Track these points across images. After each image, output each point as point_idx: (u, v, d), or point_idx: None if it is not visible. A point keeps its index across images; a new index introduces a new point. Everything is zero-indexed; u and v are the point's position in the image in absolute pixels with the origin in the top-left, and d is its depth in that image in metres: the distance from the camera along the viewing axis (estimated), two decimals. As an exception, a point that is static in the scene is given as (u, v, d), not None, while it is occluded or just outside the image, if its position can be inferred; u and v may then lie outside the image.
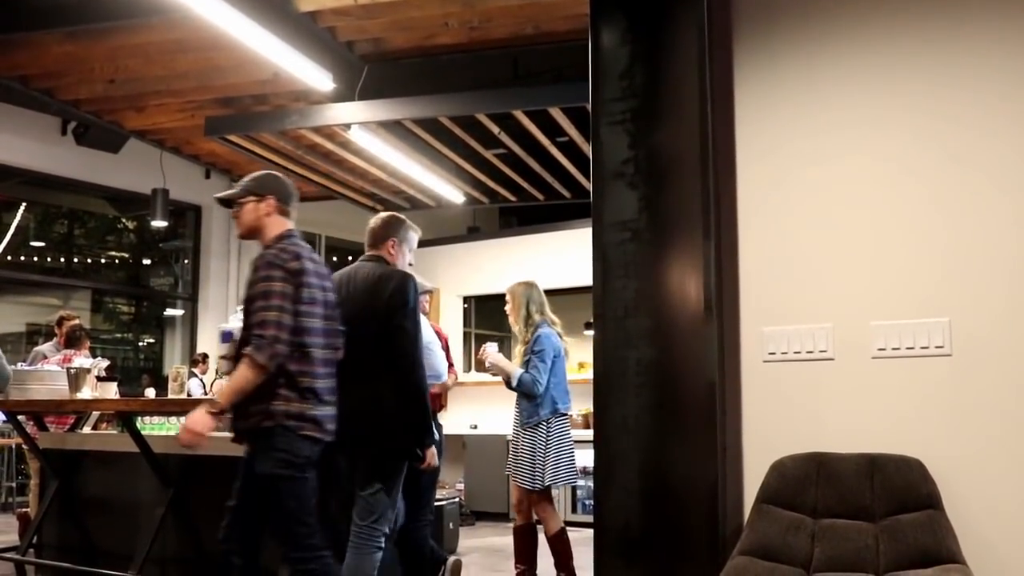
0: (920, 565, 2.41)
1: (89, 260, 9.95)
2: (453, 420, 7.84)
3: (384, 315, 3.32)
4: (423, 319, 3.82)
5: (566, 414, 4.64)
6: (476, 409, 8.10)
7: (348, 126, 6.25)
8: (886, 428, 2.68)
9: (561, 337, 4.68)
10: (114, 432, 5.36)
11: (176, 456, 4.14)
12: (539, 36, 5.53)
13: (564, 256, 7.75)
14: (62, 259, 9.65)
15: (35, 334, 9.02)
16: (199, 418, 2.91)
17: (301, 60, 5.37)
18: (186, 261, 9.76)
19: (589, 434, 3.53)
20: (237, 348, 3.03)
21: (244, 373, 2.87)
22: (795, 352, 2.84)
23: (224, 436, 3.36)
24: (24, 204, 8.71)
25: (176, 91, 6.67)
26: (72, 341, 5.90)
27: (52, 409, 4.88)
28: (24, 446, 5.46)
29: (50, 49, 5.94)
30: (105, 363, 5.33)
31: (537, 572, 4.61)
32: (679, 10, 3.01)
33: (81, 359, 5.48)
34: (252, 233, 3.18)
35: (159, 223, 8.55)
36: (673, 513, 2.84)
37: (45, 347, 6.25)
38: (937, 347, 2.65)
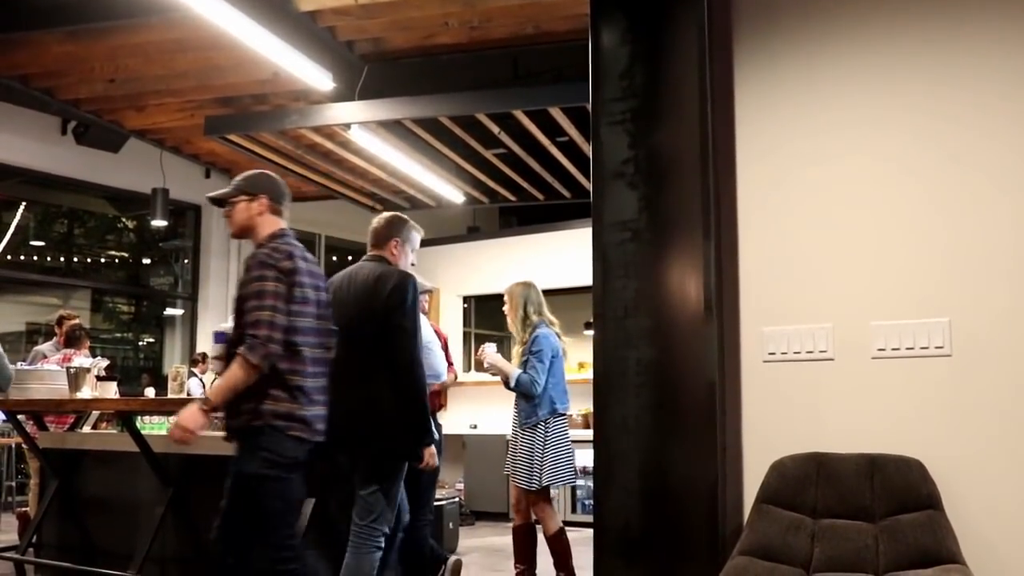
0: (920, 565, 2.41)
1: (89, 259, 9.95)
2: (453, 420, 7.84)
3: (382, 315, 3.32)
4: (423, 319, 3.82)
5: (564, 414, 4.64)
6: (476, 409, 8.10)
7: (348, 126, 6.25)
8: (886, 428, 2.68)
9: (559, 337, 4.68)
10: (114, 431, 5.36)
11: (176, 456, 4.14)
12: (539, 36, 5.53)
13: (564, 256, 7.75)
14: (62, 258, 9.65)
15: (35, 333, 9.02)
16: (191, 415, 2.91)
17: (301, 60, 5.37)
18: (186, 261, 9.76)
19: (589, 434, 3.53)
20: (227, 348, 3.04)
21: (236, 372, 2.88)
22: (795, 352, 2.84)
23: (221, 436, 3.36)
24: (24, 203, 8.70)
25: (176, 90, 6.67)
26: (72, 340, 5.90)
27: (52, 408, 4.87)
28: (24, 445, 5.45)
29: (50, 48, 5.94)
30: (105, 362, 5.33)
31: (537, 572, 4.61)
32: (679, 10, 3.01)
33: (81, 358, 5.48)
34: (244, 232, 3.19)
35: (159, 222, 8.55)
36: (673, 513, 2.84)
37: (45, 346, 6.25)
38: (937, 347, 2.65)
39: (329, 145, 6.98)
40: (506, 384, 4.60)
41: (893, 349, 2.71)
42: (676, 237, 2.94)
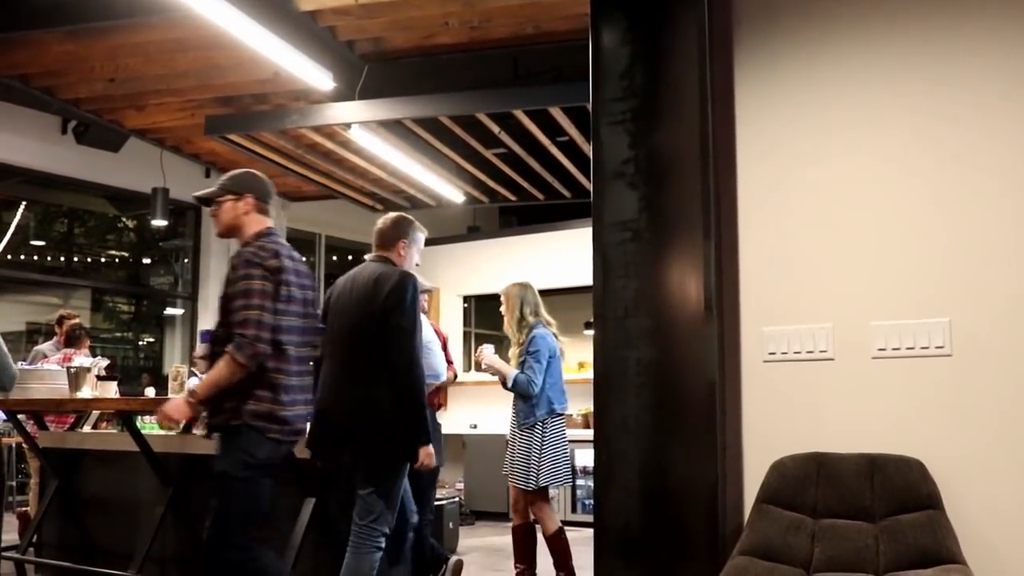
0: (920, 565, 2.41)
1: (89, 259, 9.95)
2: (453, 420, 7.85)
3: (381, 314, 3.32)
4: (423, 318, 3.82)
5: (562, 414, 4.65)
6: (476, 409, 8.11)
7: (348, 125, 6.25)
8: (886, 428, 2.68)
9: (557, 337, 4.69)
10: (114, 431, 5.36)
11: (176, 455, 4.15)
12: (539, 36, 5.52)
13: (564, 256, 7.75)
14: (62, 258, 9.64)
15: (35, 333, 9.02)
16: (176, 406, 3.03)
17: (301, 59, 5.37)
18: (186, 260, 9.75)
19: (589, 434, 3.53)
20: (212, 346, 3.07)
21: (223, 369, 2.92)
22: (795, 352, 2.84)
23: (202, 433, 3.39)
24: (24, 203, 8.70)
25: (176, 90, 6.66)
26: (72, 340, 5.90)
27: (52, 408, 4.88)
28: (24, 445, 5.45)
29: (50, 48, 5.93)
30: (105, 362, 5.32)
31: (537, 572, 4.61)
32: (679, 10, 3.00)
33: (81, 358, 5.48)
34: (230, 231, 3.20)
35: (159, 222, 8.54)
36: (673, 513, 2.84)
37: (45, 346, 6.26)
38: (937, 347, 2.65)
39: (329, 145, 6.98)
40: (504, 385, 4.60)
41: (893, 349, 2.71)
42: (676, 237, 2.94)
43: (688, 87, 2.95)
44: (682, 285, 2.89)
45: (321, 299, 3.53)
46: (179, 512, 4.12)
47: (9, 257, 8.46)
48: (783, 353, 2.86)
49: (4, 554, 4.74)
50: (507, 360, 4.70)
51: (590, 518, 3.39)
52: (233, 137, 6.74)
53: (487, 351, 4.67)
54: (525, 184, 7.87)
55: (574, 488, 7.38)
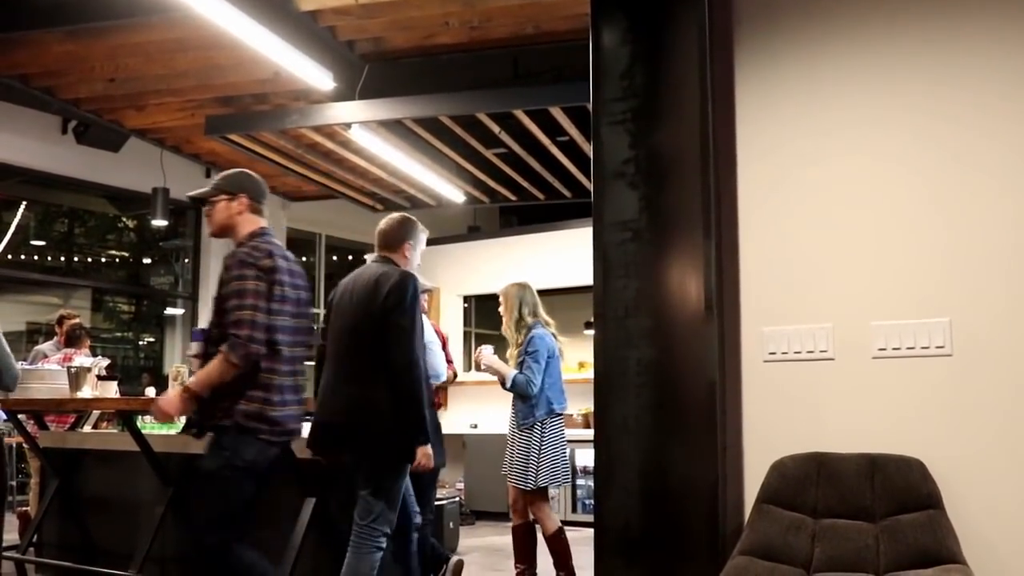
0: (920, 565, 2.41)
1: (89, 259, 9.94)
2: (453, 420, 7.85)
3: (381, 314, 3.32)
4: (424, 318, 3.82)
5: (561, 415, 4.65)
6: (476, 408, 8.11)
7: (348, 125, 6.25)
8: (886, 428, 2.68)
9: (556, 337, 4.69)
10: (114, 431, 5.36)
11: (176, 455, 4.14)
12: (539, 36, 5.52)
13: (564, 256, 7.75)
14: (62, 258, 9.64)
15: (35, 333, 9.01)
16: (171, 400, 3.05)
17: (301, 59, 5.37)
18: (186, 260, 9.75)
19: (589, 434, 3.53)
20: (206, 346, 3.08)
21: (216, 368, 2.94)
22: (795, 352, 2.84)
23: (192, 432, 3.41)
24: (24, 203, 8.70)
25: (176, 90, 6.66)
26: (72, 340, 5.90)
27: (52, 408, 4.88)
28: (24, 445, 5.45)
29: (50, 48, 5.94)
30: (105, 362, 5.33)
31: (537, 571, 4.61)
32: (680, 10, 3.01)
33: (81, 358, 5.48)
34: (224, 231, 3.21)
35: (159, 222, 8.54)
36: (673, 513, 2.84)
37: (45, 346, 6.25)
38: (937, 347, 2.65)
39: (329, 145, 6.98)
40: (503, 385, 4.61)
41: (894, 349, 2.71)
42: (677, 237, 2.94)
43: (688, 87, 2.95)
44: (682, 285, 2.89)
45: (316, 299, 3.54)
46: (179, 512, 4.12)
47: (9, 257, 8.46)
48: (783, 353, 2.86)
49: (4, 554, 4.74)
50: (506, 360, 4.70)
51: (590, 518, 3.39)
52: (233, 137, 6.74)
53: (486, 351, 4.68)
54: (525, 184, 7.87)
55: (574, 488, 7.38)
